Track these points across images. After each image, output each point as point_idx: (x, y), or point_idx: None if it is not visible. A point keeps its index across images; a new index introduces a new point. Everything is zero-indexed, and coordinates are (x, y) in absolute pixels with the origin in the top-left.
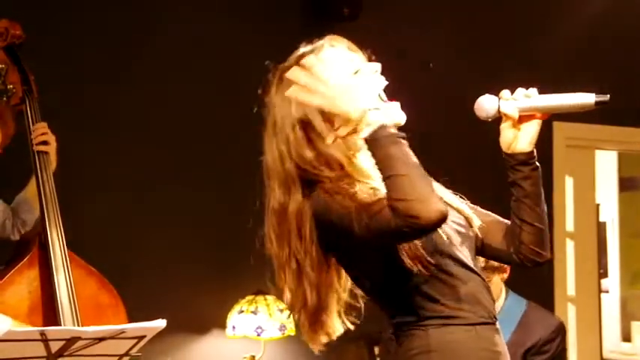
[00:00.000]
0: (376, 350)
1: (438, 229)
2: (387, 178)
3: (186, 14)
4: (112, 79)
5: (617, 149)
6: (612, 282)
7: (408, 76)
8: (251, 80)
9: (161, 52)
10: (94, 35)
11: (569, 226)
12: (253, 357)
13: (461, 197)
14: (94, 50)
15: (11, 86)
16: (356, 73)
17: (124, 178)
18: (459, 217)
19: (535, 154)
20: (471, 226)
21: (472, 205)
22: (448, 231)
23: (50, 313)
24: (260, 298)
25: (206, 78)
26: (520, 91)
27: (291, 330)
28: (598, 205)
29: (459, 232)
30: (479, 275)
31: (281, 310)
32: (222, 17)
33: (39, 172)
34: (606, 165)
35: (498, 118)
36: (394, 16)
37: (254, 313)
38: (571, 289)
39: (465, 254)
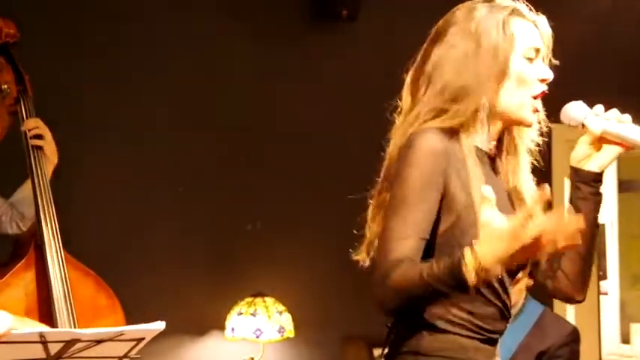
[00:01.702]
0: (375, 352)
1: None
2: None
3: (186, 15)
4: (111, 79)
5: None
6: (611, 284)
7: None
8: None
9: (160, 53)
10: (95, 35)
11: None
12: (252, 359)
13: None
14: (94, 50)
15: (5, 86)
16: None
17: (122, 179)
18: None
19: (602, 180)
20: None
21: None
22: None
23: (46, 315)
24: (259, 300)
25: (205, 78)
26: (614, 112)
27: (290, 332)
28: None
29: None
30: (502, 300)
31: (280, 312)
32: (222, 18)
33: (33, 169)
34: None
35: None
36: (392, 18)
37: (253, 315)
38: None
39: (505, 279)
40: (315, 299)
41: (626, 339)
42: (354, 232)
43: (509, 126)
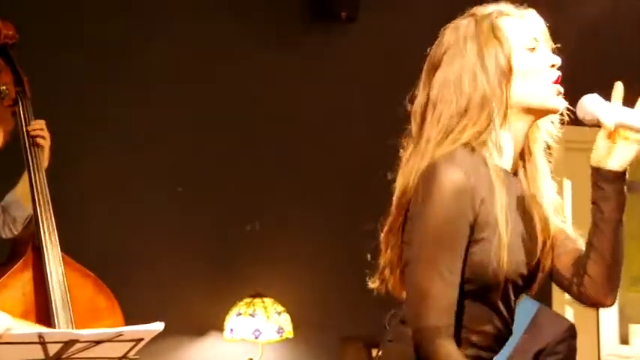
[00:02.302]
0: (374, 353)
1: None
2: None
3: (185, 16)
4: (110, 80)
5: None
6: None
7: (407, 79)
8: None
9: (160, 53)
10: (93, 36)
11: (568, 229)
12: None
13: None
14: (92, 51)
15: (4, 87)
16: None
17: (122, 180)
18: (528, 255)
19: (626, 177)
20: (534, 266)
21: (563, 225)
22: (521, 274)
23: (44, 317)
24: (258, 300)
25: (204, 79)
26: (639, 106)
27: (288, 332)
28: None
29: (522, 275)
30: (506, 323)
31: (279, 313)
32: (221, 19)
33: (32, 170)
34: None
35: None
36: (391, 19)
37: (252, 315)
38: None
39: (511, 295)
40: (314, 300)
41: (625, 340)
42: (369, 258)
43: (538, 118)
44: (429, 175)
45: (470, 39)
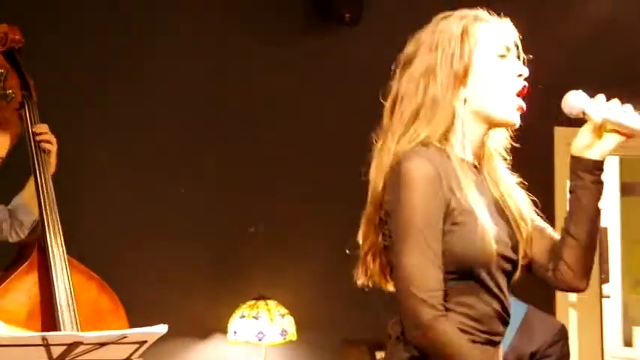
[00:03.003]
0: (378, 355)
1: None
2: None
3: (187, 17)
4: (113, 81)
5: (618, 154)
6: (614, 287)
7: None
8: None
9: (161, 54)
10: (95, 36)
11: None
12: None
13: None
14: (94, 51)
15: (10, 91)
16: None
17: (125, 183)
18: (511, 240)
19: (603, 168)
20: (517, 253)
21: (535, 216)
22: (506, 255)
23: (49, 319)
24: (261, 303)
25: (208, 82)
26: (616, 101)
27: (292, 335)
28: (600, 210)
29: (508, 258)
30: (501, 302)
31: (282, 315)
32: (224, 21)
33: (38, 173)
34: (608, 170)
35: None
36: (395, 21)
37: (255, 318)
38: (572, 295)
39: (499, 278)
40: (318, 302)
41: (628, 342)
42: (347, 252)
43: (492, 128)
44: (398, 169)
45: (439, 40)
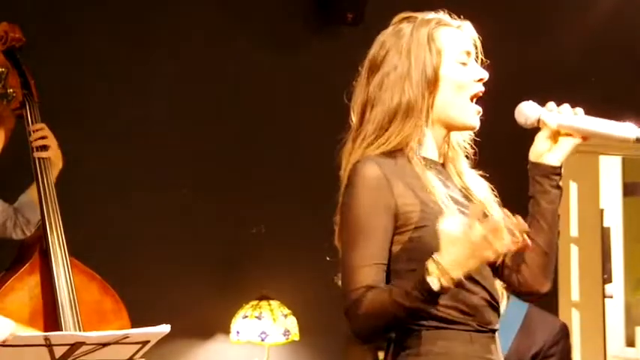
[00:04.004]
0: (380, 355)
1: None
2: None
3: (188, 18)
4: (115, 81)
5: (621, 154)
6: (616, 287)
7: None
8: (255, 84)
9: (162, 54)
10: (96, 36)
11: (574, 231)
12: None
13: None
14: (96, 52)
15: (11, 90)
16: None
17: (127, 183)
18: None
19: (561, 172)
20: None
21: (506, 214)
22: None
23: (51, 319)
24: (264, 303)
25: (211, 83)
26: (567, 106)
27: (295, 335)
28: (602, 210)
29: None
30: (487, 291)
31: (285, 316)
32: (226, 22)
33: (39, 176)
34: (610, 170)
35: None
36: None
37: (258, 318)
38: (575, 295)
39: (481, 267)
40: (321, 302)
41: (631, 342)
42: (327, 259)
43: (453, 131)
44: (352, 171)
45: (405, 46)
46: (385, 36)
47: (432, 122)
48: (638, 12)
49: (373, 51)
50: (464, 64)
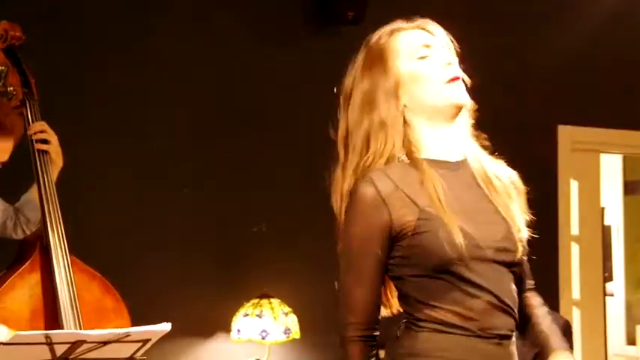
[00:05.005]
0: (381, 353)
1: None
2: None
3: (188, 17)
4: (114, 81)
5: (622, 153)
6: (617, 285)
7: None
8: (255, 83)
9: (163, 55)
10: (97, 35)
11: (575, 229)
12: None
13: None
14: (97, 51)
15: (11, 88)
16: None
17: (128, 181)
18: (507, 239)
19: None
20: (515, 251)
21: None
22: (488, 247)
23: (52, 318)
24: (265, 301)
25: (211, 81)
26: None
27: (295, 333)
28: (603, 208)
29: (497, 249)
30: (494, 294)
31: (286, 314)
32: (226, 21)
33: (39, 173)
34: (611, 168)
35: None
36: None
37: (259, 316)
38: (576, 293)
39: (488, 270)
40: (321, 300)
41: (631, 340)
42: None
43: (446, 120)
44: (354, 189)
45: (363, 69)
46: (353, 66)
47: (419, 121)
48: None
49: (345, 83)
50: (423, 57)
